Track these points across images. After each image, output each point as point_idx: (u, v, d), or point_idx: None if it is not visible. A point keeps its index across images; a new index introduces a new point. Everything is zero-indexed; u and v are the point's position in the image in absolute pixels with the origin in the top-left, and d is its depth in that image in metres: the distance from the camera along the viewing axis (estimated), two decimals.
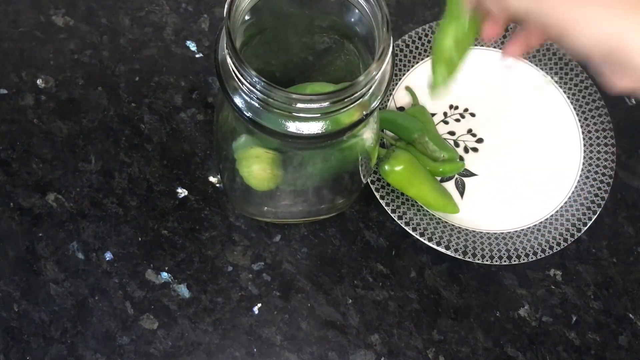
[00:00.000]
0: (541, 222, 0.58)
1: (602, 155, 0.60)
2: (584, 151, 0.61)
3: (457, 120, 0.62)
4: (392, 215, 0.56)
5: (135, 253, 0.56)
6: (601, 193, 0.58)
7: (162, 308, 0.55)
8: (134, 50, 0.63)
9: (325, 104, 0.37)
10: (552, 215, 0.58)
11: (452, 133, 0.61)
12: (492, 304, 0.57)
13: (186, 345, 0.54)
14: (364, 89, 0.37)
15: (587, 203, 0.58)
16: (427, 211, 0.57)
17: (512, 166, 0.60)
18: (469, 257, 0.56)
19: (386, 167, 0.55)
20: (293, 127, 0.38)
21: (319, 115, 0.38)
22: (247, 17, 0.41)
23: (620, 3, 0.35)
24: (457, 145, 0.61)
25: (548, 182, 0.60)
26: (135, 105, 0.61)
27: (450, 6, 0.43)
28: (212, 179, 0.59)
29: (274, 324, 0.55)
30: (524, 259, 0.56)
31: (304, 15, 0.45)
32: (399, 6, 0.66)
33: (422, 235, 0.56)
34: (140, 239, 0.57)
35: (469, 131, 0.62)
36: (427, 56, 0.63)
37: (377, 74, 0.37)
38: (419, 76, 0.62)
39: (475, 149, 0.61)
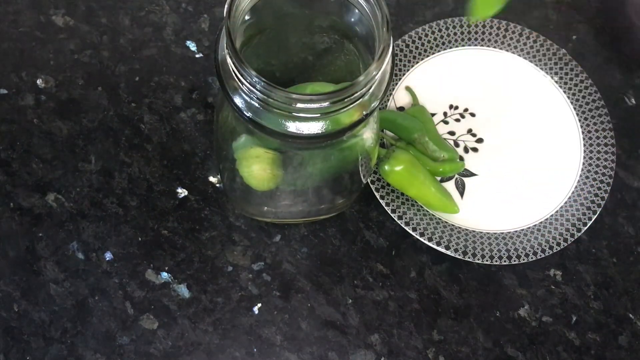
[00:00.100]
0: (541, 222, 0.58)
1: (602, 155, 0.60)
2: (584, 151, 0.61)
3: (457, 120, 0.62)
4: (392, 215, 0.56)
5: (135, 253, 0.56)
6: (601, 193, 0.58)
7: (162, 308, 0.55)
8: (134, 50, 0.63)
9: (325, 104, 0.37)
10: (552, 215, 0.58)
11: (452, 133, 0.61)
12: (492, 304, 0.57)
13: (186, 345, 0.54)
14: (364, 89, 0.37)
15: (587, 203, 0.58)
16: (427, 211, 0.57)
17: (512, 166, 0.60)
18: (469, 257, 0.56)
19: (386, 167, 0.55)
20: (293, 127, 0.38)
21: (319, 115, 0.38)
22: (247, 17, 0.41)
23: None
24: (457, 145, 0.61)
25: (548, 182, 0.60)
26: (135, 105, 0.61)
27: None
28: (212, 179, 0.59)
29: (274, 324, 0.55)
30: (524, 259, 0.56)
31: (304, 15, 0.45)
32: (399, 6, 0.66)
33: (422, 235, 0.56)
34: (140, 239, 0.57)
35: (469, 131, 0.62)
36: (427, 56, 0.63)
37: (377, 74, 0.37)
38: (419, 76, 0.62)
39: (475, 149, 0.61)
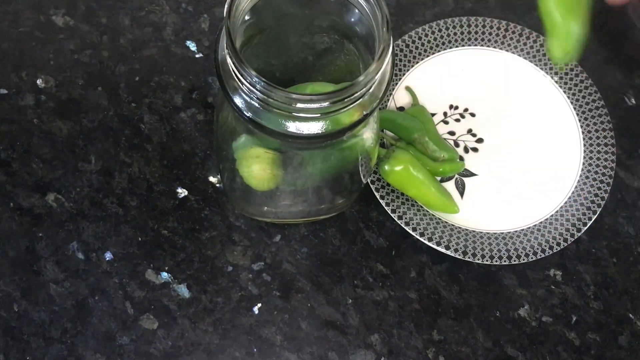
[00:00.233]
0: (541, 222, 0.58)
1: (602, 155, 0.60)
2: (584, 151, 0.61)
3: (457, 120, 0.62)
4: (392, 215, 0.56)
5: (135, 253, 0.56)
6: (601, 193, 0.58)
7: (162, 308, 0.55)
8: (134, 50, 0.63)
9: (325, 104, 0.37)
10: (552, 215, 0.58)
11: (452, 133, 0.61)
12: (492, 304, 0.57)
13: (186, 345, 0.54)
14: (364, 89, 0.37)
15: (587, 203, 0.58)
16: (427, 211, 0.57)
17: (512, 166, 0.60)
18: (469, 257, 0.56)
19: (386, 167, 0.55)
20: (293, 127, 0.38)
21: (319, 115, 0.38)
22: (247, 17, 0.41)
23: None
24: (457, 145, 0.61)
25: (548, 182, 0.60)
26: (135, 105, 0.61)
27: None
28: (212, 179, 0.59)
29: (274, 324, 0.55)
30: (524, 259, 0.56)
31: (304, 15, 0.45)
32: (399, 6, 0.66)
33: (422, 235, 0.56)
34: (140, 239, 0.57)
35: (469, 131, 0.62)
36: (427, 56, 0.63)
37: (377, 74, 0.37)
38: (419, 76, 0.62)
39: (475, 149, 0.61)
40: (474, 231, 0.57)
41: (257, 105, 0.38)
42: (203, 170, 0.59)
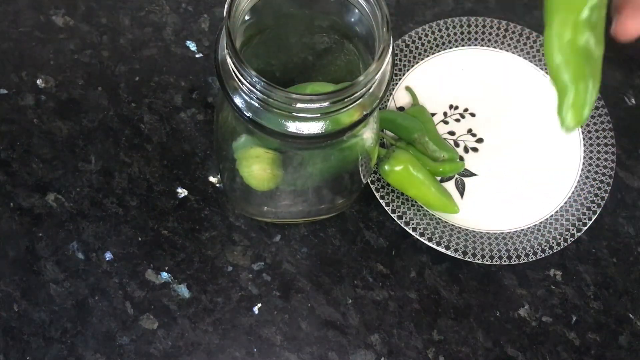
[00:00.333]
0: (541, 222, 0.58)
1: (602, 155, 0.60)
2: (584, 151, 0.61)
3: (457, 120, 0.62)
4: (392, 215, 0.56)
5: (135, 253, 0.56)
6: (601, 193, 0.58)
7: (162, 308, 0.55)
8: (134, 50, 0.63)
9: (325, 104, 0.37)
10: (552, 215, 0.58)
11: (452, 133, 0.61)
12: (492, 304, 0.57)
13: (186, 345, 0.54)
14: (364, 89, 0.37)
15: (587, 203, 0.58)
16: (427, 211, 0.57)
17: (512, 166, 0.60)
18: (469, 257, 0.56)
19: (386, 167, 0.55)
20: (293, 127, 0.38)
21: (319, 115, 0.38)
22: (247, 17, 0.41)
23: None
24: (457, 145, 0.61)
25: (548, 182, 0.60)
26: (135, 105, 0.61)
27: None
28: (212, 179, 0.59)
29: (274, 324, 0.55)
30: (524, 259, 0.56)
31: (304, 15, 0.45)
32: (399, 6, 0.66)
33: (422, 235, 0.56)
34: (140, 239, 0.57)
35: (469, 131, 0.62)
36: (427, 56, 0.63)
37: (377, 74, 0.37)
38: (419, 76, 0.62)
39: (475, 149, 0.61)
40: (474, 231, 0.57)
41: (257, 105, 0.38)
42: (203, 170, 0.59)
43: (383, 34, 0.38)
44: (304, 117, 0.38)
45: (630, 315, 0.57)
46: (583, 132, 0.61)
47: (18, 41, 0.62)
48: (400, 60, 0.62)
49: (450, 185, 0.60)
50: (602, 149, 0.60)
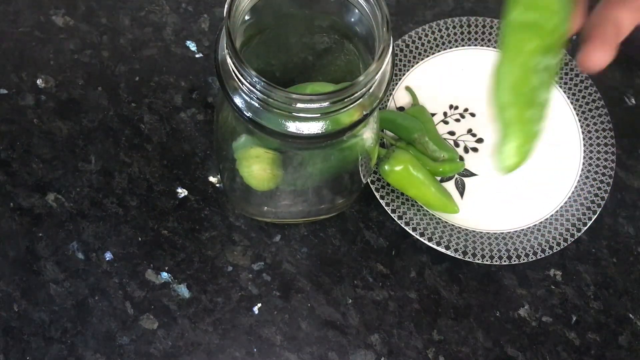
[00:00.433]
0: (541, 222, 0.58)
1: (602, 155, 0.60)
2: (584, 151, 0.61)
3: (457, 120, 0.62)
4: (392, 215, 0.56)
5: (135, 253, 0.56)
6: (601, 193, 0.58)
7: (162, 308, 0.55)
8: (134, 50, 0.63)
9: (325, 104, 0.37)
10: (552, 215, 0.58)
11: (452, 133, 0.61)
12: (492, 304, 0.57)
13: (186, 345, 0.54)
14: (364, 89, 0.37)
15: (587, 203, 0.58)
16: (427, 211, 0.57)
17: None
18: (469, 257, 0.56)
19: (386, 167, 0.55)
20: (293, 127, 0.38)
21: (319, 115, 0.38)
22: (247, 17, 0.41)
23: None
24: (457, 145, 0.61)
25: (548, 182, 0.60)
26: (135, 105, 0.61)
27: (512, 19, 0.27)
28: (212, 179, 0.59)
29: (274, 324, 0.55)
30: (524, 259, 0.56)
31: (304, 15, 0.45)
32: (399, 6, 0.66)
33: (422, 235, 0.56)
34: (140, 239, 0.57)
35: (469, 131, 0.62)
36: (427, 56, 0.63)
37: (377, 74, 0.37)
38: (419, 76, 0.62)
39: (475, 149, 0.61)
40: (474, 231, 0.57)
41: (257, 105, 0.38)
42: (203, 170, 0.59)
43: (383, 34, 0.38)
44: (304, 117, 0.38)
45: (630, 315, 0.57)
46: (583, 132, 0.61)
47: (18, 41, 0.62)
48: (400, 60, 0.62)
49: (450, 185, 0.60)
50: (602, 149, 0.60)
